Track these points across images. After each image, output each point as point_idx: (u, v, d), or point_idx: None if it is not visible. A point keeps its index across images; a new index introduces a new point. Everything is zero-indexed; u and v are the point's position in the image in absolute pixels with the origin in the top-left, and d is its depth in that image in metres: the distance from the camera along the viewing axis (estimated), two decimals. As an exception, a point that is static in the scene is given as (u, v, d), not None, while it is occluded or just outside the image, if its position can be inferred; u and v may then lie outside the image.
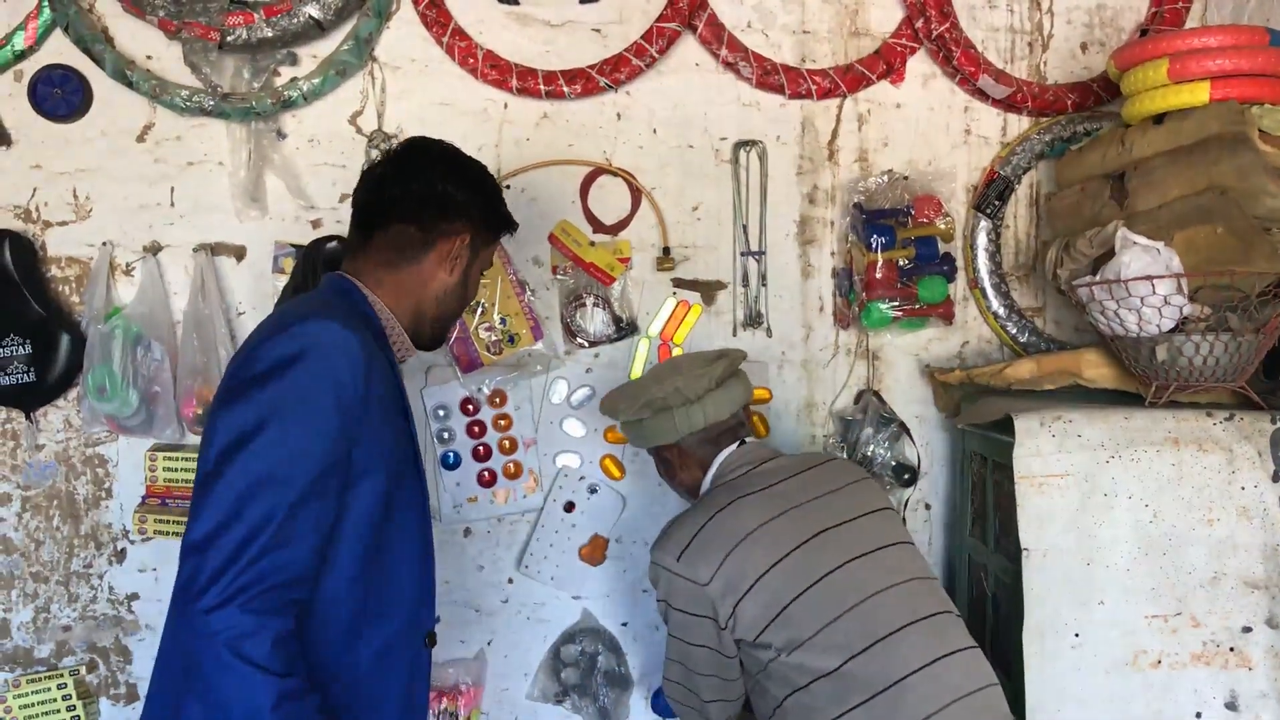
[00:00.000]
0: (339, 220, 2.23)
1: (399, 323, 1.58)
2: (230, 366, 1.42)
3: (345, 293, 1.55)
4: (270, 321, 1.47)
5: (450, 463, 2.27)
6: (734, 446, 1.84)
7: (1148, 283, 1.84)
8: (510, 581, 2.31)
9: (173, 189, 2.21)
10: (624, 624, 2.33)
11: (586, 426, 2.30)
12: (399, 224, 1.58)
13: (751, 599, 1.63)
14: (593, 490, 2.30)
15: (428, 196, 1.58)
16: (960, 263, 2.35)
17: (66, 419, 2.20)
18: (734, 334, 2.34)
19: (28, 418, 2.15)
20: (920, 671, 1.56)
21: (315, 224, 2.24)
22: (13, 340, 2.09)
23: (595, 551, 2.31)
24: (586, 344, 2.28)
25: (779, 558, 1.65)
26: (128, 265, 2.20)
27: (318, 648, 1.37)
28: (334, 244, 2.15)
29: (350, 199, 1.65)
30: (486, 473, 2.27)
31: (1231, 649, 1.86)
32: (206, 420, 1.41)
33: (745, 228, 2.32)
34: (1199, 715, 1.86)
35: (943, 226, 2.29)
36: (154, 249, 2.20)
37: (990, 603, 2.08)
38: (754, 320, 2.33)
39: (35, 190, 2.19)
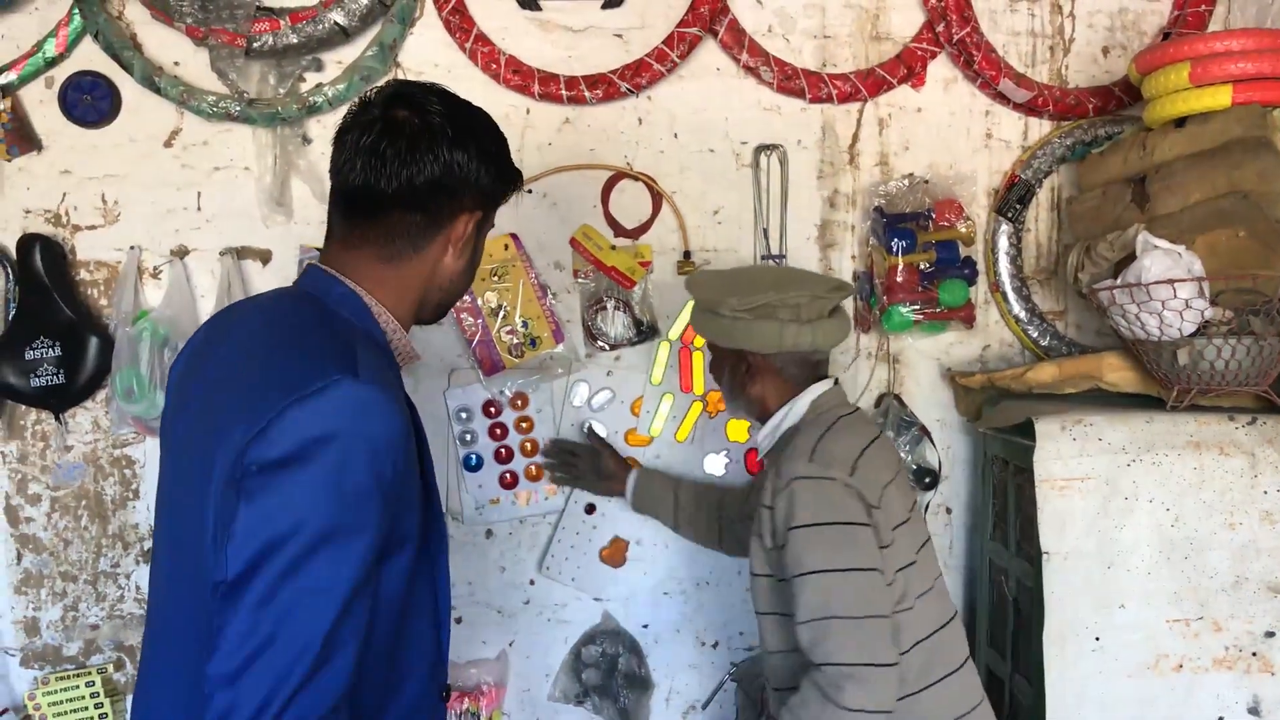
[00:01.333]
0: (363, 224, 2.25)
1: (397, 324, 1.34)
2: (234, 423, 1.15)
3: (338, 300, 1.29)
4: (264, 355, 1.22)
5: (472, 465, 2.29)
6: (831, 382, 1.79)
7: (1169, 286, 1.84)
8: (532, 583, 2.33)
9: (199, 194, 2.25)
10: (644, 626, 2.34)
11: (608, 428, 2.32)
12: (399, 213, 1.31)
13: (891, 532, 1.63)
14: None
15: (433, 177, 1.30)
16: (981, 266, 2.36)
17: (95, 420, 2.24)
18: None
19: (57, 419, 2.19)
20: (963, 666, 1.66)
21: (339, 228, 2.25)
22: (43, 342, 2.13)
23: (616, 553, 2.32)
24: (607, 347, 2.30)
25: (906, 517, 1.67)
26: (155, 269, 2.24)
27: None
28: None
29: (332, 170, 1.34)
30: (508, 475, 2.29)
31: (1254, 654, 1.86)
32: (198, 489, 1.17)
33: (766, 231, 2.33)
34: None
35: (964, 230, 2.30)
36: (181, 253, 2.23)
37: (1011, 606, 2.09)
38: (774, 323, 2.34)
39: (65, 195, 2.22)
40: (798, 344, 1.73)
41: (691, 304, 2.28)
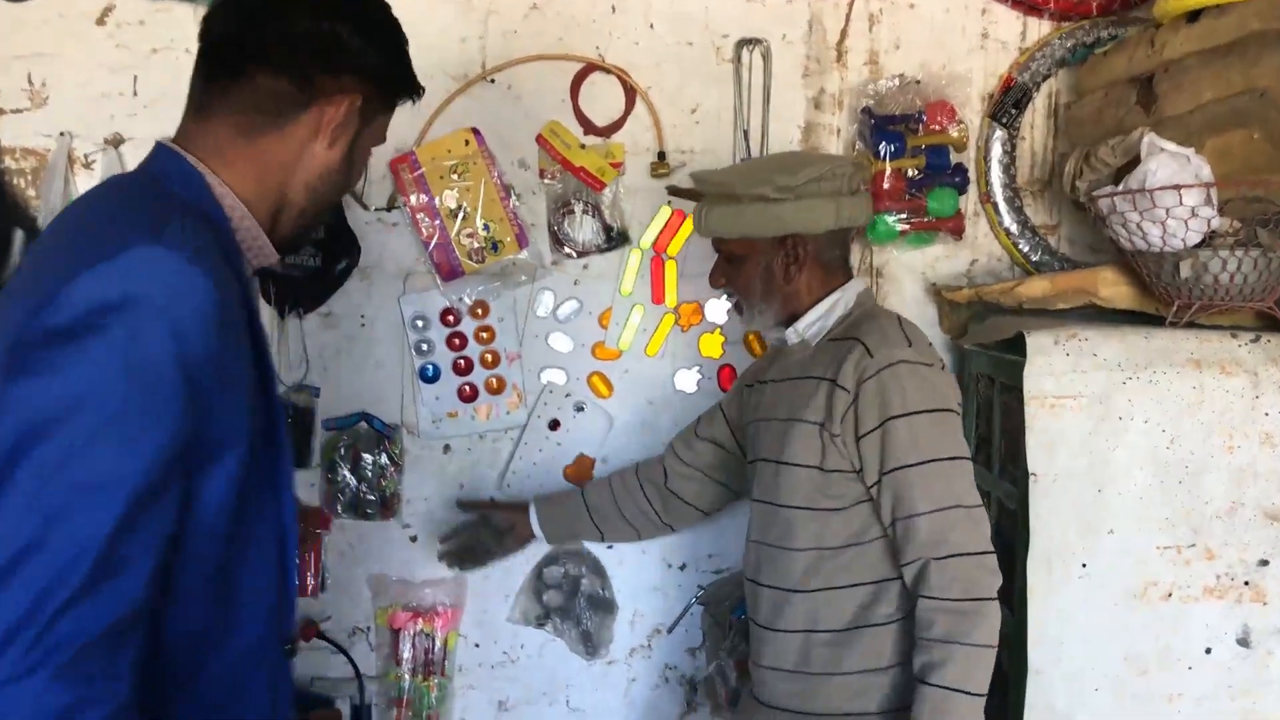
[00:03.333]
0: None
1: (253, 218, 1.17)
2: (13, 304, 1.01)
3: (176, 179, 1.13)
4: (70, 235, 1.08)
5: (429, 376, 2.16)
6: (864, 282, 1.77)
7: (1174, 192, 1.71)
8: (492, 501, 2.20)
9: (135, 77, 2.07)
10: (609, 547, 2.23)
11: (574, 341, 2.19)
12: (265, 74, 1.14)
13: None
14: (579, 408, 2.20)
15: (311, 37, 1.15)
16: (973, 175, 2.21)
17: (23, 320, 2.08)
18: None
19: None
20: None
21: (287, 118, 2.09)
22: (-38, 234, 1.96)
23: (581, 472, 2.21)
24: (574, 254, 2.16)
25: None
26: (87, 158, 2.07)
27: (150, 686, 1.01)
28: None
29: (199, 31, 1.19)
30: (467, 387, 2.16)
31: (1246, 583, 1.77)
32: None
33: (746, 133, 2.18)
34: (1209, 650, 1.77)
35: (956, 135, 2.16)
36: (115, 141, 2.07)
37: (992, 531, 1.97)
38: (752, 233, 2.19)
39: (-13, 75, 2.04)
40: (853, 217, 1.68)
41: (662, 219, 2.17)
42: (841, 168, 1.68)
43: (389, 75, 1.24)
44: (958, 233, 2.19)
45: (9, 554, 0.91)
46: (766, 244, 1.68)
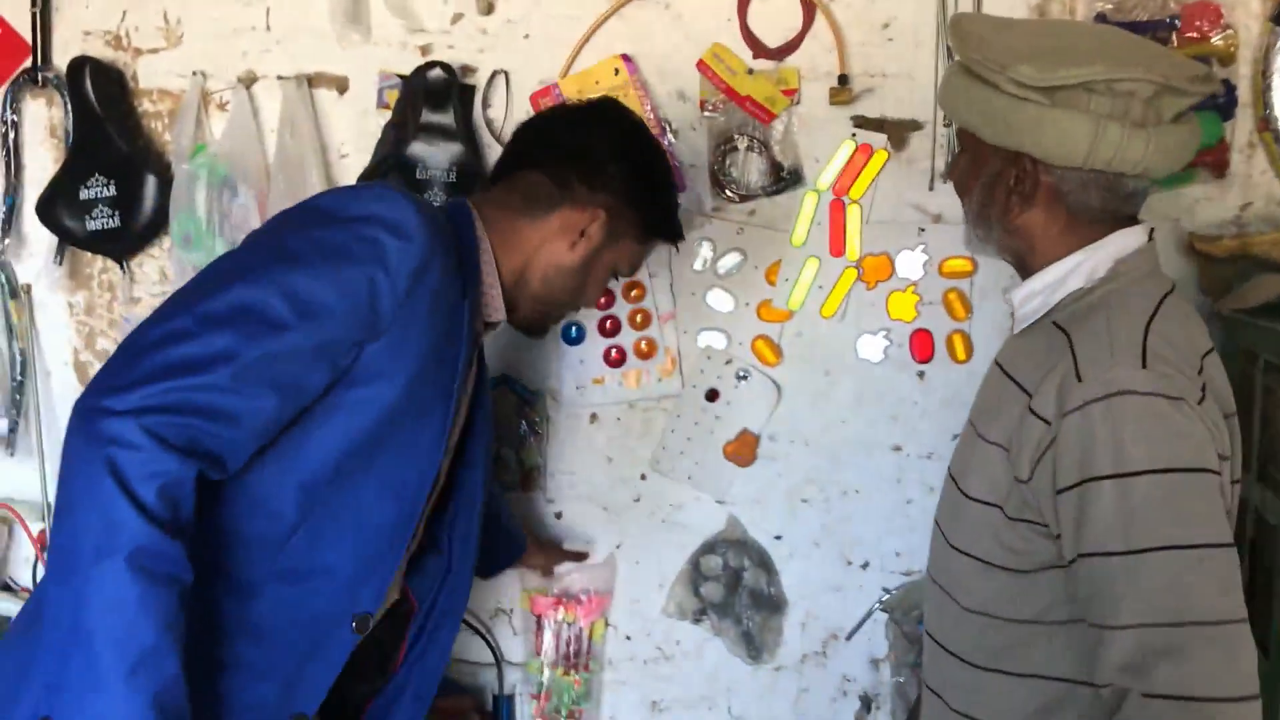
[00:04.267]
0: (450, 45, 2.03)
1: (497, 280, 1.48)
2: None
3: (454, 212, 1.46)
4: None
5: (573, 337, 2.07)
6: (1144, 233, 1.28)
7: None
8: (643, 478, 2.12)
9: (269, 10, 2.07)
10: (777, 537, 2.10)
11: (736, 300, 2.04)
12: (535, 170, 1.51)
13: None
14: (742, 376, 2.05)
15: (575, 150, 1.51)
16: (1245, 96, 1.86)
17: (163, 270, 2.14)
18: (930, 187, 1.98)
19: (122, 268, 2.10)
20: None
21: (424, 50, 2.03)
22: (97, 180, 2.03)
23: (743, 450, 2.07)
24: (738, 198, 2.00)
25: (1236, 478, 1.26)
26: (222, 99, 2.09)
27: (227, 548, 1.25)
28: (437, 72, 1.95)
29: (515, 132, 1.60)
30: (615, 350, 2.07)
31: None
32: None
33: (950, 49, 1.92)
34: None
35: (1221, 44, 1.82)
36: (248, 80, 2.07)
37: (1247, 549, 1.67)
38: (957, 171, 1.96)
39: (125, 14, 2.10)
40: (1118, 159, 1.21)
41: (844, 156, 1.96)
42: (1136, 80, 1.19)
43: (639, 208, 1.54)
44: (1219, 169, 1.85)
45: (175, 329, 1.17)
46: (990, 151, 1.31)
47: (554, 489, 2.12)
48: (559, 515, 2.13)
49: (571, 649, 2.09)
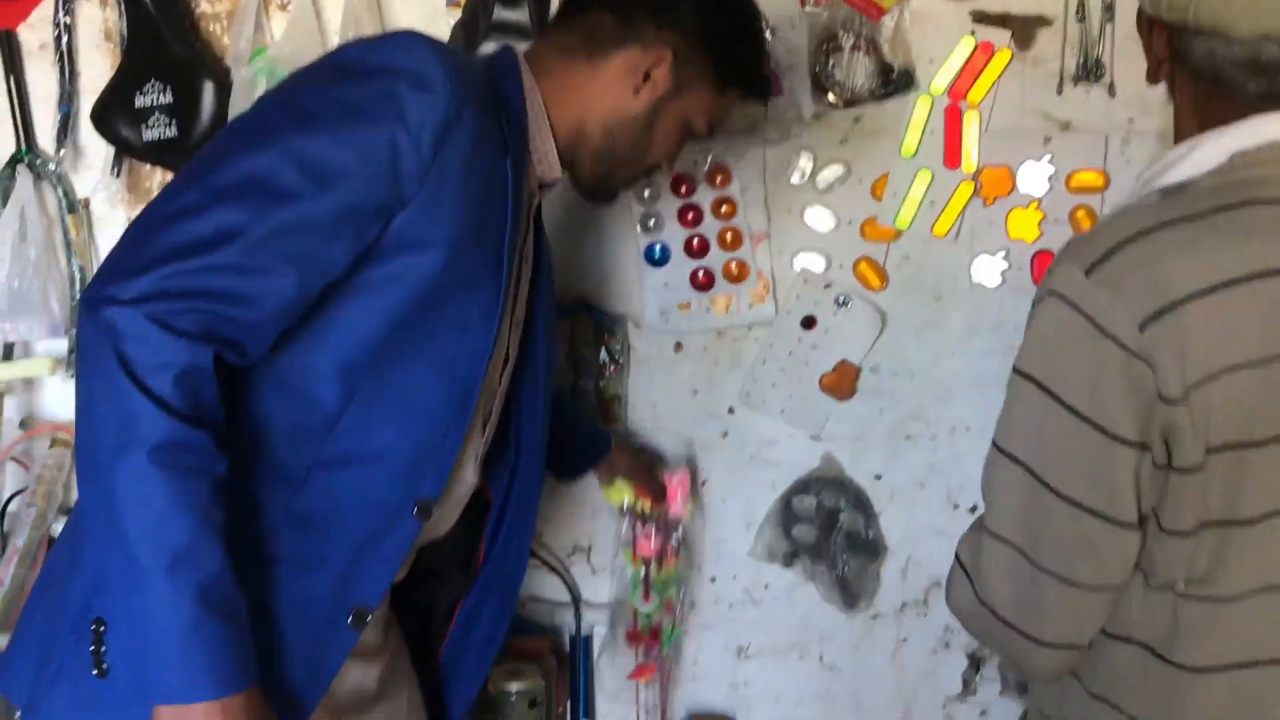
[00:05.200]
0: (527, -64, 1.98)
1: (550, 130, 1.43)
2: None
3: (497, 66, 1.41)
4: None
5: (657, 258, 2.05)
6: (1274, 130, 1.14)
7: None
8: (731, 411, 2.10)
9: (330, -104, 2.03)
10: (877, 477, 2.09)
11: (837, 217, 2.00)
12: (597, 8, 1.45)
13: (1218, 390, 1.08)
14: (842, 302, 2.03)
15: None
16: None
17: (223, 183, 2.15)
18: (1058, 91, 1.92)
19: (178, 180, 2.11)
20: None
21: (500, -59, 1.99)
22: (153, 87, 2.02)
23: (842, 382, 2.05)
24: (841, 103, 1.95)
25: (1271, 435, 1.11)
26: (282, 0, 2.07)
27: (265, 436, 1.25)
28: (509, -34, 1.91)
29: None
30: (702, 273, 2.04)
31: None
32: None
33: (1084, -65, 1.83)
34: None
35: None
36: (311, -24, 2.05)
37: None
38: (1091, 72, 1.90)
39: (180, -93, 2.07)
40: (1225, 18, 1.09)
41: (962, 55, 1.90)
42: None
43: (715, 50, 1.47)
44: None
45: (181, 206, 1.16)
46: (1144, 24, 1.23)
47: (635, 422, 2.11)
48: (640, 448, 2.12)
49: (649, 586, 2.06)
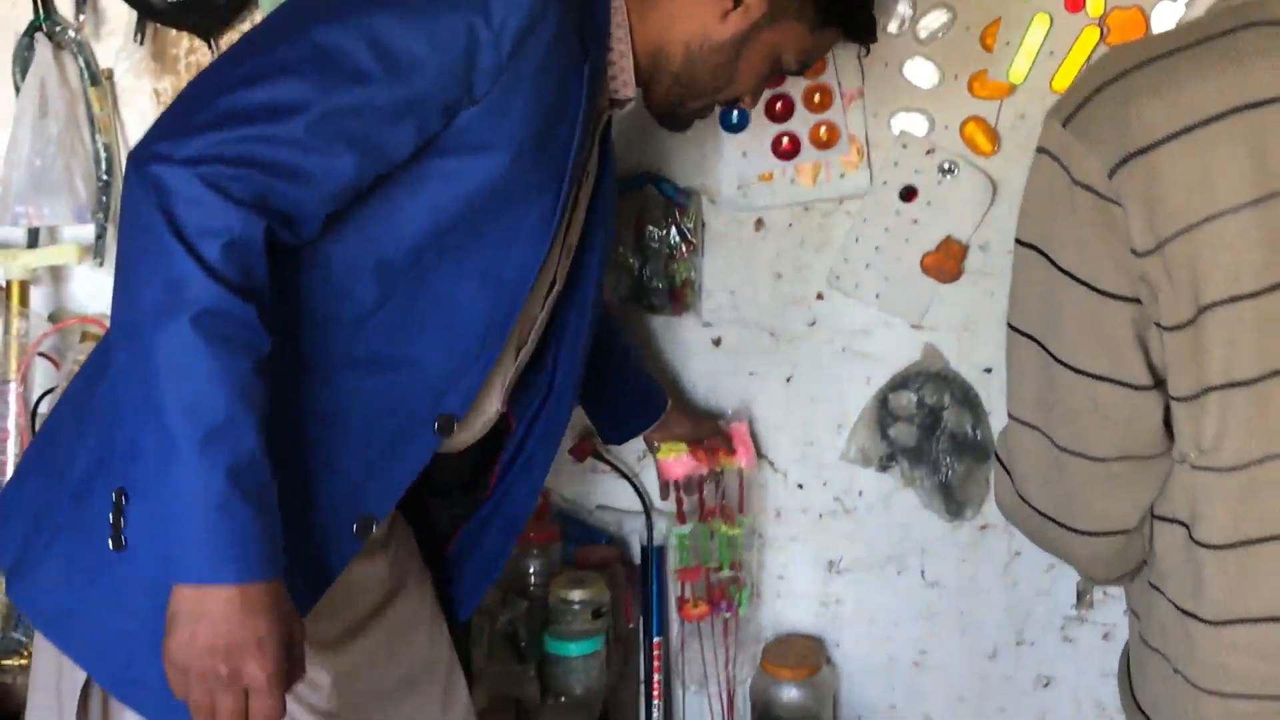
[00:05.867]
0: None
1: (630, 48, 1.42)
2: None
3: None
4: None
5: (734, 122, 1.97)
6: None
7: None
8: (819, 297, 2.04)
9: None
10: (987, 370, 2.01)
11: (941, 71, 1.90)
12: None
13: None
14: (947, 170, 1.94)
15: None
16: None
17: (257, 53, 2.10)
18: None
19: (210, 46, 2.06)
20: None
21: None
22: (175, -58, 1.96)
23: (947, 261, 1.97)
24: (949, -68, 1.84)
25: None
26: None
27: (293, 326, 1.25)
28: None
29: None
30: (786, 139, 1.96)
31: None
32: None
33: None
34: None
35: None
36: None
37: None
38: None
39: None
40: None
41: None
42: None
43: None
44: None
45: (245, 71, 1.17)
46: None
47: (710, 311, 2.07)
48: (717, 342, 2.08)
49: (724, 499, 2.02)
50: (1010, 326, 1.18)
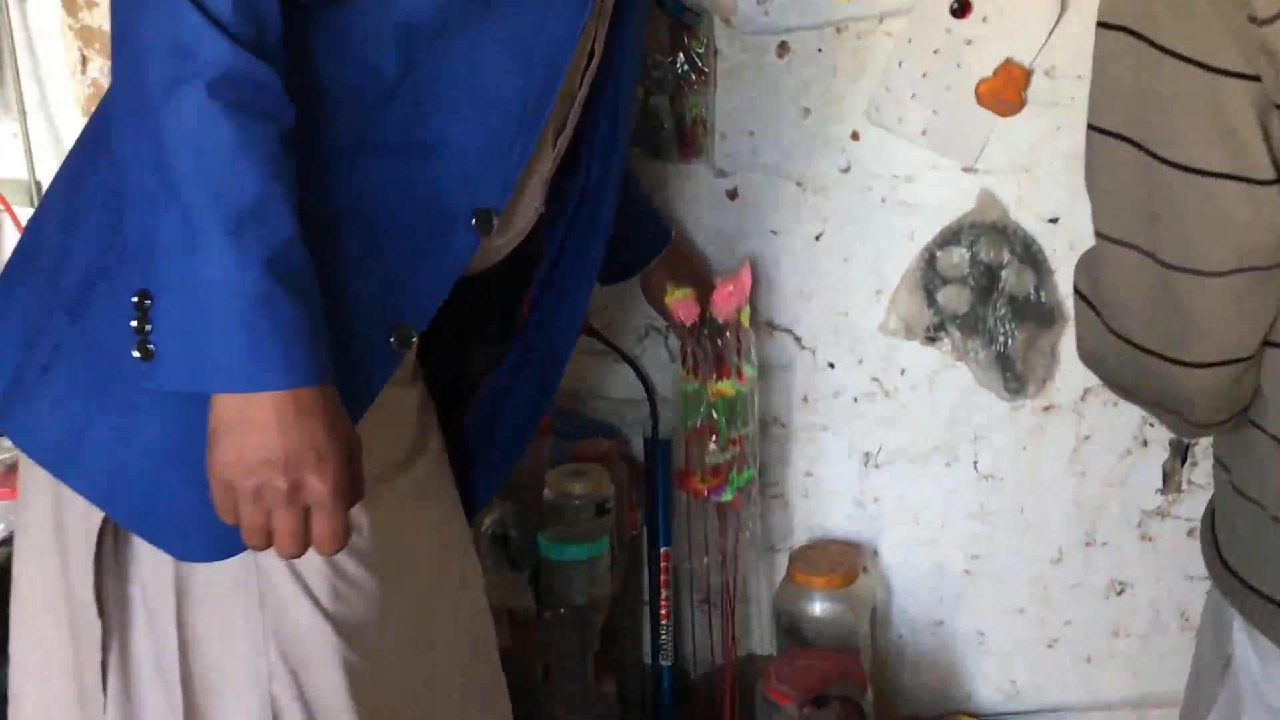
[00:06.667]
0: None
1: None
2: None
3: None
4: None
5: (753, -77, 1.84)
6: None
7: None
8: (855, 137, 1.94)
9: None
10: (1052, 220, 1.94)
11: None
12: None
13: None
14: None
15: None
16: None
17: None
18: None
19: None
20: None
21: None
22: None
23: (1006, 91, 1.89)
24: None
25: None
26: None
27: (308, 104, 1.18)
28: None
29: None
30: (816, -60, 1.83)
31: None
32: None
33: None
34: None
35: None
36: None
37: None
38: None
39: None
40: None
41: None
42: None
43: None
44: None
45: None
46: None
47: (725, 155, 1.97)
48: (732, 194, 1.96)
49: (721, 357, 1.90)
50: (1094, 129, 1.13)
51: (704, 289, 1.85)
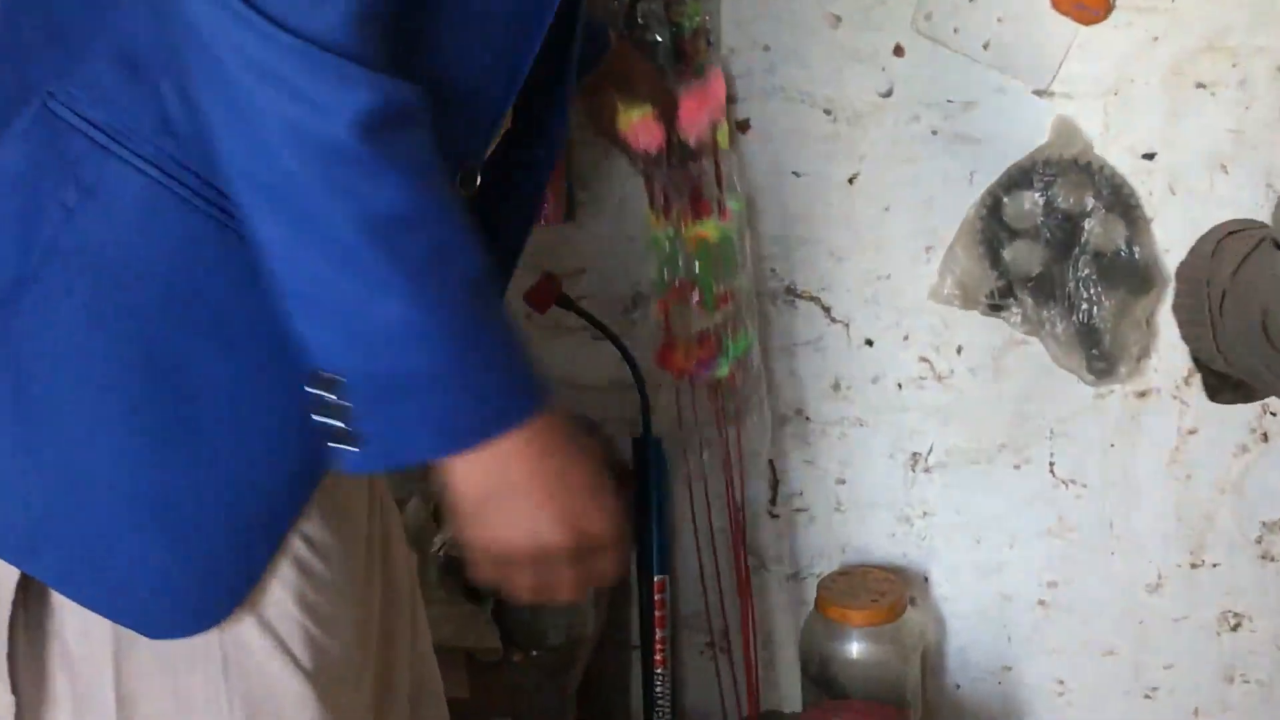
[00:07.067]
0: None
1: None
2: None
3: None
4: None
5: None
6: None
7: None
8: (898, 52, 1.78)
9: None
10: (1147, 156, 1.75)
11: None
12: None
13: None
14: None
15: None
16: None
17: None
18: None
19: None
20: None
21: None
22: None
23: None
24: None
25: None
26: None
27: None
28: None
29: None
30: None
31: None
32: None
33: None
34: None
35: None
36: None
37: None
38: None
39: None
40: None
41: None
42: None
43: None
44: None
45: None
46: None
47: (738, 75, 1.82)
48: (744, 125, 1.80)
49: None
50: None
51: (666, 105, 1.61)
